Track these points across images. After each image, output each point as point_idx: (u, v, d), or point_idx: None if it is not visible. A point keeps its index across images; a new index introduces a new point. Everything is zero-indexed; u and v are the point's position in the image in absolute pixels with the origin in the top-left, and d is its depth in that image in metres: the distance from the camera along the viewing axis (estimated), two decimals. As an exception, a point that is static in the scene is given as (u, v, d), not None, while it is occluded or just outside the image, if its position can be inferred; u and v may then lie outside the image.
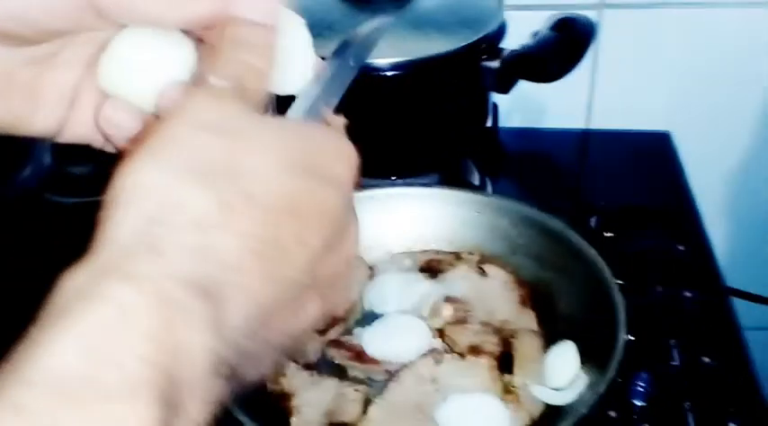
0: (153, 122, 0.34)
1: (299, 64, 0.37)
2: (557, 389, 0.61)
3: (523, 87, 0.83)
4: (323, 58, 0.38)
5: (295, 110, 0.37)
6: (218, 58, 0.34)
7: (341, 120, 0.37)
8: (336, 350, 0.64)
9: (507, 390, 0.61)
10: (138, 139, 0.33)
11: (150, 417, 0.24)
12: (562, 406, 0.59)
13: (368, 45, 0.40)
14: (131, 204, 0.29)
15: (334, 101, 0.38)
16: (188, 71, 0.34)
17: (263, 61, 0.35)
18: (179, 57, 0.36)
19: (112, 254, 0.28)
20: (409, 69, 0.77)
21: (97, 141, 0.39)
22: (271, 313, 0.31)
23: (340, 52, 0.39)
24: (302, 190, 0.31)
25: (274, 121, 0.34)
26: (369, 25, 0.41)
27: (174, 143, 0.30)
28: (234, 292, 0.29)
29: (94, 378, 0.24)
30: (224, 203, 0.29)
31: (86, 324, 0.25)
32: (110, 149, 0.38)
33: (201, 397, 0.27)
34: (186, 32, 0.37)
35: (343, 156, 0.34)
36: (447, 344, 0.65)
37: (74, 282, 0.27)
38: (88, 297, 0.26)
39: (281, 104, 0.37)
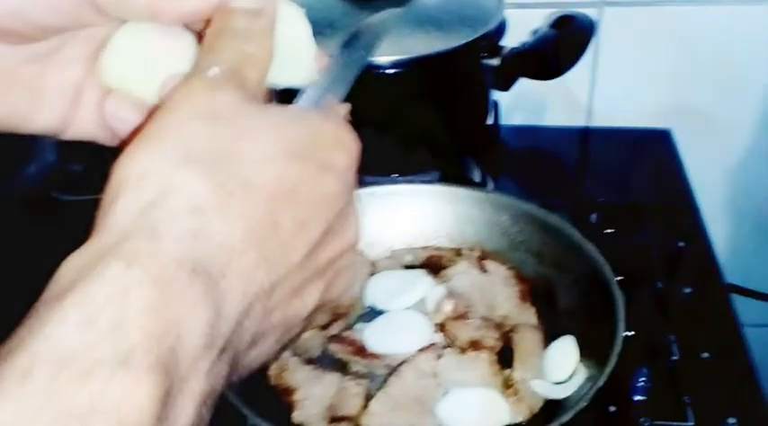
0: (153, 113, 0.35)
1: (298, 53, 0.37)
2: (557, 383, 0.61)
3: (524, 85, 0.83)
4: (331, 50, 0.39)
5: (303, 100, 0.37)
6: (216, 47, 0.34)
7: (343, 108, 0.37)
8: (338, 345, 0.65)
9: (507, 384, 0.61)
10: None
11: (151, 384, 0.25)
12: (562, 400, 0.59)
13: (378, 35, 0.40)
14: (129, 192, 0.29)
15: (343, 92, 0.38)
16: (189, 65, 0.34)
17: (261, 50, 0.35)
18: (179, 51, 0.36)
19: (111, 238, 0.28)
20: (410, 67, 0.77)
21: (102, 138, 0.39)
22: (270, 295, 0.31)
23: (349, 43, 0.39)
24: (300, 177, 0.32)
25: (272, 109, 0.34)
26: (378, 16, 0.41)
27: (170, 131, 0.31)
28: (231, 273, 0.29)
29: (96, 347, 0.25)
30: (221, 188, 0.30)
31: (87, 300, 0.26)
32: (115, 145, 0.39)
33: (203, 372, 0.27)
34: (186, 26, 0.37)
35: (343, 143, 0.34)
36: (448, 339, 0.65)
37: (74, 264, 0.27)
38: (88, 277, 0.26)
39: (287, 97, 0.37)
